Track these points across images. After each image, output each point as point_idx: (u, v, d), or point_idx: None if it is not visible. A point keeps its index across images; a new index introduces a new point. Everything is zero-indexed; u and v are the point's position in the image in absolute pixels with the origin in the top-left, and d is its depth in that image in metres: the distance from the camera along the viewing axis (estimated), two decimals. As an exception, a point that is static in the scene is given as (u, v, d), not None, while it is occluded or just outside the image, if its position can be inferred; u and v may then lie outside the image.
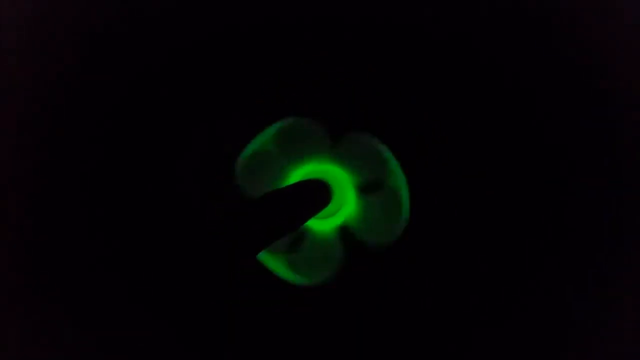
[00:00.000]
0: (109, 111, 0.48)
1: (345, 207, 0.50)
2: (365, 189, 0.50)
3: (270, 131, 0.49)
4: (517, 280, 0.48)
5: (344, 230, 0.50)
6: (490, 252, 0.49)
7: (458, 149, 0.49)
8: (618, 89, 0.48)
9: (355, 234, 0.50)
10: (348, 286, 0.49)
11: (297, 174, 0.50)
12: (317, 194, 0.45)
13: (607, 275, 0.48)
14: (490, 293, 0.48)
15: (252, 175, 0.49)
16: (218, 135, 0.50)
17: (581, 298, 0.48)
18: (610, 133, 0.48)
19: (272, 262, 0.49)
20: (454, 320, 0.48)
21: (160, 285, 0.46)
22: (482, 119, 0.49)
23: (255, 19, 0.49)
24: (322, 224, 0.50)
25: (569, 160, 0.48)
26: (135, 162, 0.49)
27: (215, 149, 0.50)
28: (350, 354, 0.48)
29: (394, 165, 0.49)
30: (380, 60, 0.49)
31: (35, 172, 0.48)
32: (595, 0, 0.47)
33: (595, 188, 0.48)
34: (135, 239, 0.48)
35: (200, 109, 0.49)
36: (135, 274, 0.48)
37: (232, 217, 0.35)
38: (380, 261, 0.49)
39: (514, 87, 0.49)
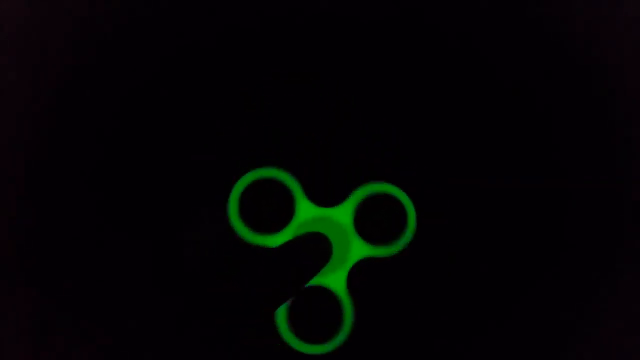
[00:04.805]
0: (108, 111, 0.48)
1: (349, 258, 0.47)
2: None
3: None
4: (515, 283, 0.48)
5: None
6: (489, 254, 0.49)
7: (458, 150, 0.49)
8: (619, 89, 0.48)
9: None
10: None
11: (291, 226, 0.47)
12: (313, 252, 0.41)
13: (608, 277, 0.48)
14: (488, 294, 0.48)
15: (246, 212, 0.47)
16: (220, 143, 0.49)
17: (583, 301, 0.48)
18: (611, 133, 0.48)
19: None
20: (452, 322, 0.48)
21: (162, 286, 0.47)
22: (482, 120, 0.49)
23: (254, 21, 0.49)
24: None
25: (569, 160, 0.48)
26: (134, 163, 0.49)
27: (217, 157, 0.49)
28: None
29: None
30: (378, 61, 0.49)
31: (33, 171, 0.48)
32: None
33: (597, 189, 0.48)
34: (137, 239, 0.48)
35: (201, 112, 0.49)
36: (135, 274, 0.48)
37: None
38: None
39: (513, 89, 0.49)
